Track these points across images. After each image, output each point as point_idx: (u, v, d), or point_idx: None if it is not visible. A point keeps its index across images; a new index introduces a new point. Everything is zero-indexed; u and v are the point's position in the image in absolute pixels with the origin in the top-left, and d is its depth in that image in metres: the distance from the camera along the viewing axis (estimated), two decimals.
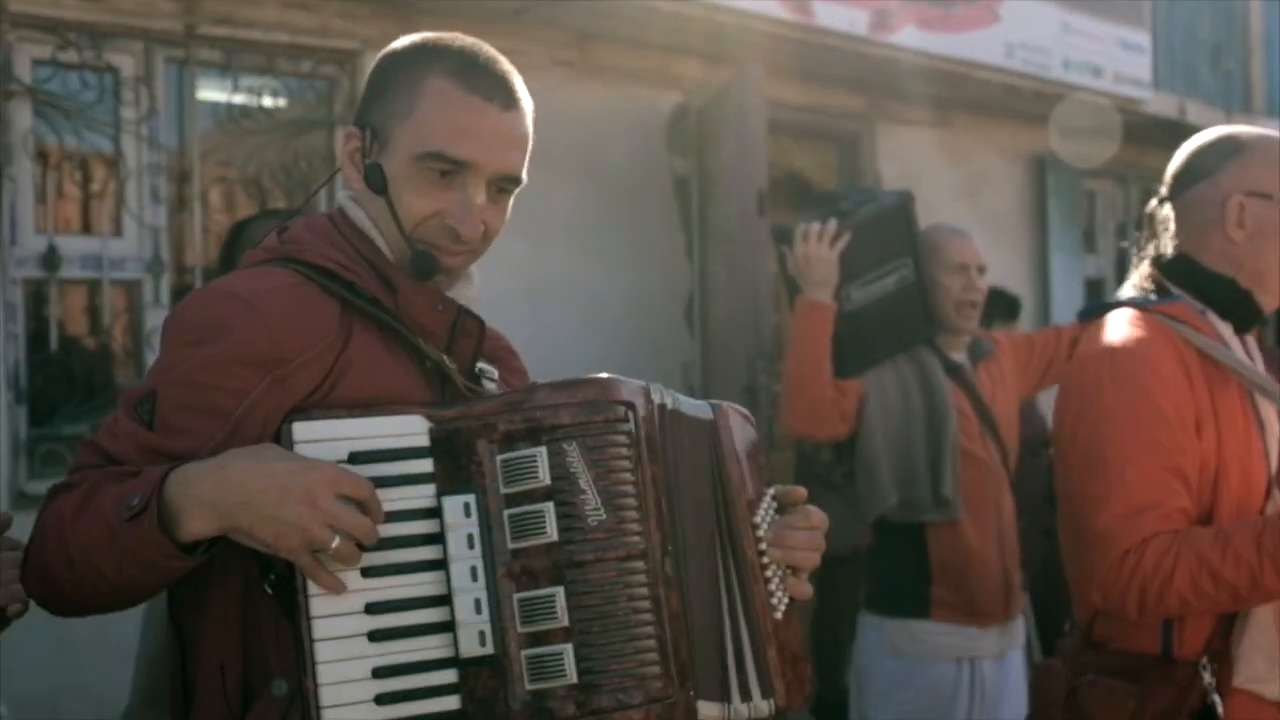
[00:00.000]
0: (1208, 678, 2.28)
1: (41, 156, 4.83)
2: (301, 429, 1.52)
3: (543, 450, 1.54)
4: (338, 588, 1.48)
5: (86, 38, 4.82)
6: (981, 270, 3.89)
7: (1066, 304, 8.25)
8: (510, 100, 1.72)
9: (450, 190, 1.69)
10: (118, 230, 4.98)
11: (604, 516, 1.54)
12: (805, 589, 1.81)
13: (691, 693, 1.58)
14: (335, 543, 1.45)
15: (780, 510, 1.82)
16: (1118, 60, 7.83)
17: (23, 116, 4.71)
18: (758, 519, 1.79)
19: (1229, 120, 8.70)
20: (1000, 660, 3.81)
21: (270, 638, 1.58)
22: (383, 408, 1.59)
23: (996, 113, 8.13)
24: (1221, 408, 2.32)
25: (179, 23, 4.99)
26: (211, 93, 5.25)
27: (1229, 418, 2.31)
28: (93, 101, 4.90)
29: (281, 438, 1.54)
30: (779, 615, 1.76)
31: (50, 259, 4.76)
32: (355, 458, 1.52)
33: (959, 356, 3.91)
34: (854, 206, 3.92)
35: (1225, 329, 2.44)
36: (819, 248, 3.68)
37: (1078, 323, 2.93)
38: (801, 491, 1.84)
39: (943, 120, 7.97)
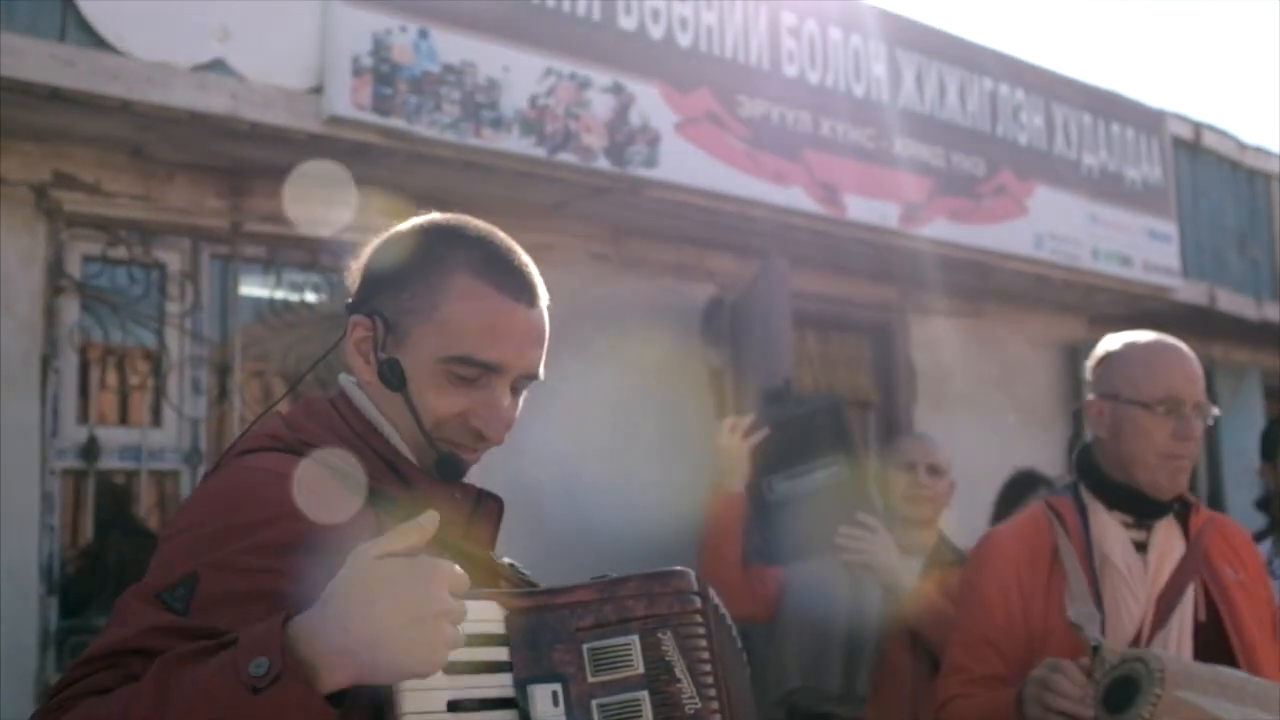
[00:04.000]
0: None
1: (86, 349, 4.92)
2: None
3: (635, 639, 1.53)
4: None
5: (136, 235, 4.95)
6: (932, 469, 4.11)
7: None
8: (534, 297, 1.68)
9: (475, 390, 1.64)
10: (157, 421, 5.04)
11: (699, 705, 1.53)
12: None
13: None
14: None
15: None
16: (1146, 249, 7.92)
17: (70, 310, 4.81)
18: None
19: (1259, 307, 8.75)
20: None
21: None
22: (461, 592, 1.51)
23: (1028, 302, 8.20)
24: (1055, 586, 2.69)
25: (226, 220, 5.13)
26: (254, 287, 5.36)
27: (1060, 595, 2.67)
28: (139, 296, 5.01)
29: None
30: None
31: (90, 450, 4.80)
32: None
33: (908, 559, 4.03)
34: (785, 406, 4.26)
35: (1107, 518, 2.75)
36: (731, 439, 3.93)
37: None
38: None
39: (974, 310, 8.03)
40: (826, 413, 4.21)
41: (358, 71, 4.67)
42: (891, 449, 4.31)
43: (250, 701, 1.30)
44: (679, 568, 1.62)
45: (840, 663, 3.81)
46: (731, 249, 6.63)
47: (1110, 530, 2.74)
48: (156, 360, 5.04)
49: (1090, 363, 2.87)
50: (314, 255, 5.42)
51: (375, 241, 1.77)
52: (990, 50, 7.19)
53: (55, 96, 4.16)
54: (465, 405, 1.65)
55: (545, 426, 5.77)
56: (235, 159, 4.96)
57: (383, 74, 4.72)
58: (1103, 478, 2.79)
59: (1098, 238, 7.61)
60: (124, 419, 5.07)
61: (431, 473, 1.67)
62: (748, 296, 6.31)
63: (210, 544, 1.48)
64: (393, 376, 1.64)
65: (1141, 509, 2.76)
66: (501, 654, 1.51)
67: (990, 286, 7.74)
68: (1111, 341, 2.85)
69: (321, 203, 5.32)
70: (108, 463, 4.89)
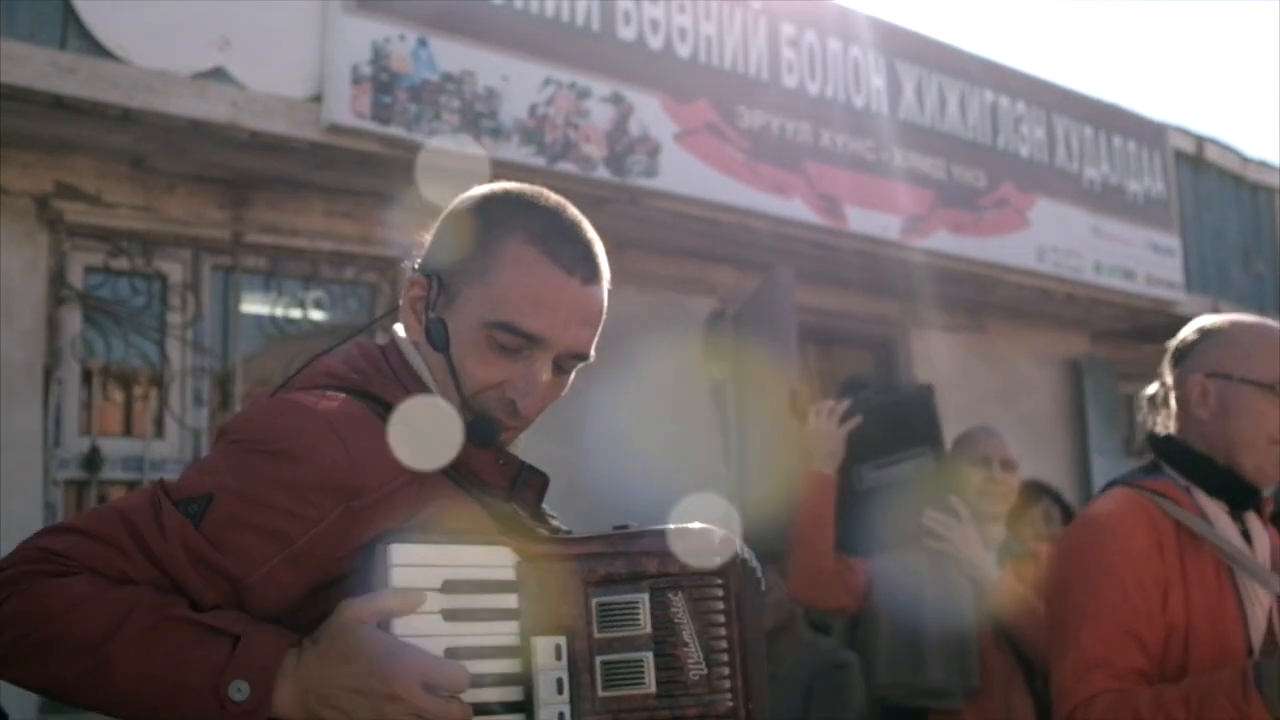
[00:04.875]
0: None
1: (88, 359, 4.93)
2: (399, 552, 1.45)
3: (645, 597, 1.50)
4: None
5: (138, 246, 4.97)
6: (1005, 464, 4.00)
7: None
8: (592, 274, 1.66)
9: (515, 362, 1.61)
10: (160, 432, 5.04)
11: (705, 671, 1.49)
12: None
13: None
14: None
15: None
16: (1149, 263, 7.92)
17: (72, 321, 4.83)
18: None
19: None
20: None
21: None
22: (474, 535, 1.52)
23: (1030, 317, 8.19)
24: (1192, 574, 2.45)
25: (227, 231, 5.15)
26: (255, 299, 5.38)
27: (1199, 583, 2.44)
28: (140, 307, 5.02)
29: (376, 559, 1.46)
30: None
31: (93, 460, 4.80)
32: (448, 586, 1.46)
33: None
34: (875, 394, 4.10)
35: (1213, 505, 2.52)
36: (828, 424, 3.81)
37: None
38: None
39: (977, 325, 8.03)
40: (917, 402, 4.12)
41: (357, 80, 4.69)
42: (962, 444, 4.15)
43: (214, 713, 1.39)
44: (702, 526, 1.57)
45: (937, 657, 3.70)
46: (733, 262, 6.63)
47: (1221, 517, 2.53)
48: (158, 371, 5.04)
49: (1178, 343, 2.66)
50: (315, 267, 5.43)
51: (450, 205, 1.76)
52: (990, 62, 7.21)
53: (56, 104, 4.19)
54: (503, 376, 1.62)
55: (545, 439, 5.76)
56: (236, 170, 4.98)
57: (382, 83, 4.74)
58: (1201, 463, 2.56)
59: (1100, 251, 7.61)
60: (127, 430, 5.07)
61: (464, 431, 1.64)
62: (750, 309, 6.32)
63: (238, 468, 1.50)
64: (437, 336, 1.63)
65: (1239, 496, 2.55)
66: (510, 600, 1.49)
67: (992, 301, 7.74)
68: (1208, 320, 2.64)
69: (322, 215, 5.35)
70: (110, 473, 4.89)
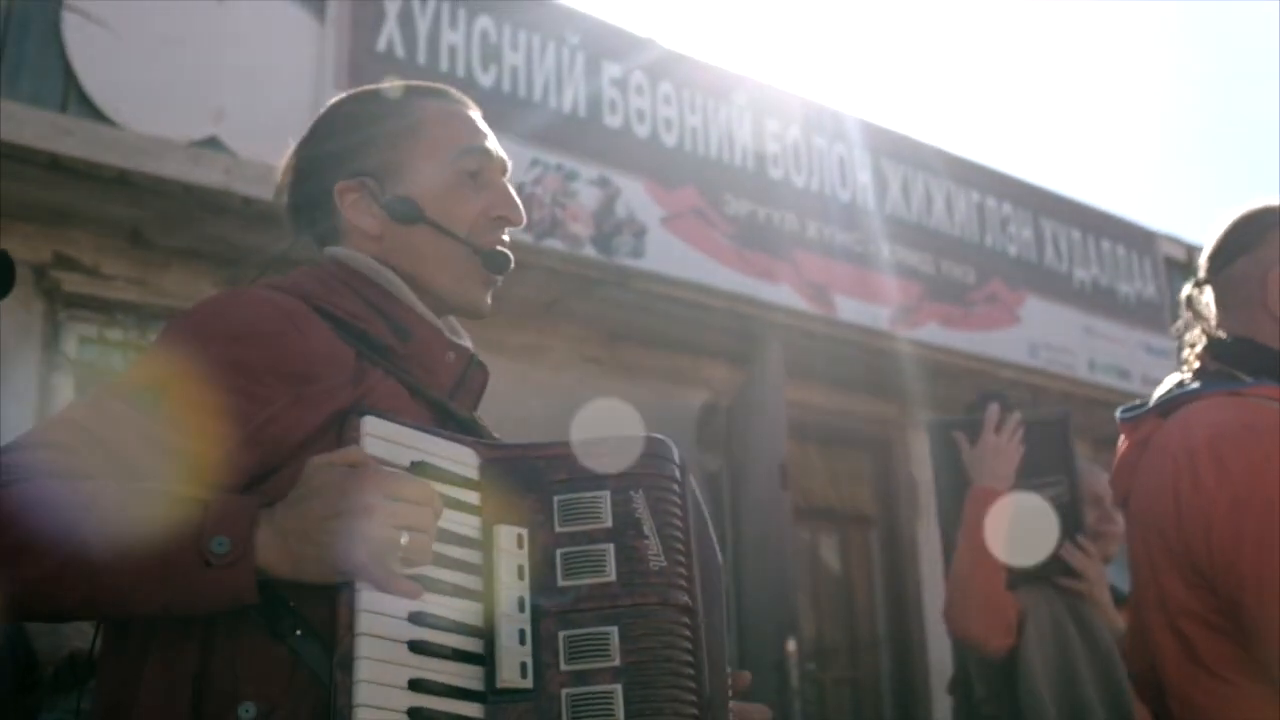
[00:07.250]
0: None
1: None
2: (372, 423, 1.46)
3: (606, 494, 1.53)
4: (416, 591, 1.41)
5: (133, 318, 5.08)
6: (1116, 504, 3.79)
7: None
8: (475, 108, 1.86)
9: (482, 187, 1.76)
10: None
11: (664, 564, 1.51)
12: None
13: None
14: (404, 539, 1.38)
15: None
16: (1144, 364, 7.95)
17: (65, 389, 4.91)
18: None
19: None
20: None
21: (231, 656, 1.46)
22: (439, 430, 1.55)
23: None
24: None
25: None
26: None
27: None
28: None
29: (346, 429, 1.47)
30: None
31: None
32: (416, 468, 1.47)
33: None
34: (1023, 413, 3.85)
35: None
36: (1009, 442, 3.44)
37: (1121, 423, 2.48)
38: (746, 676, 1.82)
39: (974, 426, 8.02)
40: (1057, 427, 3.81)
41: None
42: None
43: (200, 572, 1.37)
44: (659, 435, 1.61)
45: (1100, 709, 3.27)
46: (726, 356, 6.71)
47: None
48: None
49: (1232, 235, 2.31)
50: None
51: (299, 146, 1.83)
52: (974, 164, 7.39)
53: (54, 165, 4.35)
54: (483, 202, 1.75)
55: None
56: (231, 245, 5.12)
57: None
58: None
59: (1094, 350, 7.66)
60: None
61: (481, 272, 1.74)
62: (742, 398, 6.37)
63: (189, 353, 1.51)
64: (405, 209, 1.71)
65: None
66: (473, 497, 1.52)
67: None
68: (1262, 207, 2.32)
69: None
70: None
